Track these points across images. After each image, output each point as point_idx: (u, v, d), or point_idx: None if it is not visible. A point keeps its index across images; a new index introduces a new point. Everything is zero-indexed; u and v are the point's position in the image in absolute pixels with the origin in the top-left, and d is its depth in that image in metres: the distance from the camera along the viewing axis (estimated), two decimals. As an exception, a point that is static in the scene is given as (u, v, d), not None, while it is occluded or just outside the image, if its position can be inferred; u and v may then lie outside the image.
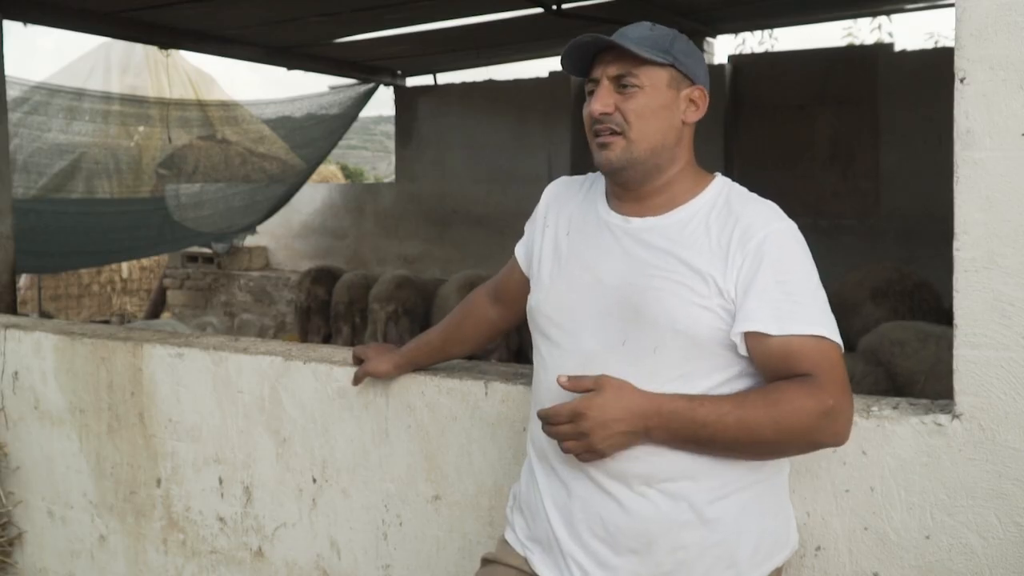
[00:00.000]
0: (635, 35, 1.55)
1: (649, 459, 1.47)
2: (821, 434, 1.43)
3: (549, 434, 1.46)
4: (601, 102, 1.53)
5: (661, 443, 1.44)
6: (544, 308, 1.63)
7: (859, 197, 7.70)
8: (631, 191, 1.59)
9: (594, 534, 1.52)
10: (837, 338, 1.45)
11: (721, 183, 1.59)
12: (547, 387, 1.58)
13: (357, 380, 2.16)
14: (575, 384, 1.43)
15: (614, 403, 1.41)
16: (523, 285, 1.78)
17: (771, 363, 1.44)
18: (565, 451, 1.45)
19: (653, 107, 1.53)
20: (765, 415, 1.39)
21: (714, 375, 1.48)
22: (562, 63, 1.60)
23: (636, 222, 1.58)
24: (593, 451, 1.42)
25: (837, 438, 1.45)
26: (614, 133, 1.53)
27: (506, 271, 1.89)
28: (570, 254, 1.63)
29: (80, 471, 2.81)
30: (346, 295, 6.82)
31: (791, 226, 1.52)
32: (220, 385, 2.49)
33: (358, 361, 2.16)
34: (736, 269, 1.46)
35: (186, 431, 2.57)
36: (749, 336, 1.45)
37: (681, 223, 1.54)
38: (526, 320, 1.74)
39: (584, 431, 1.40)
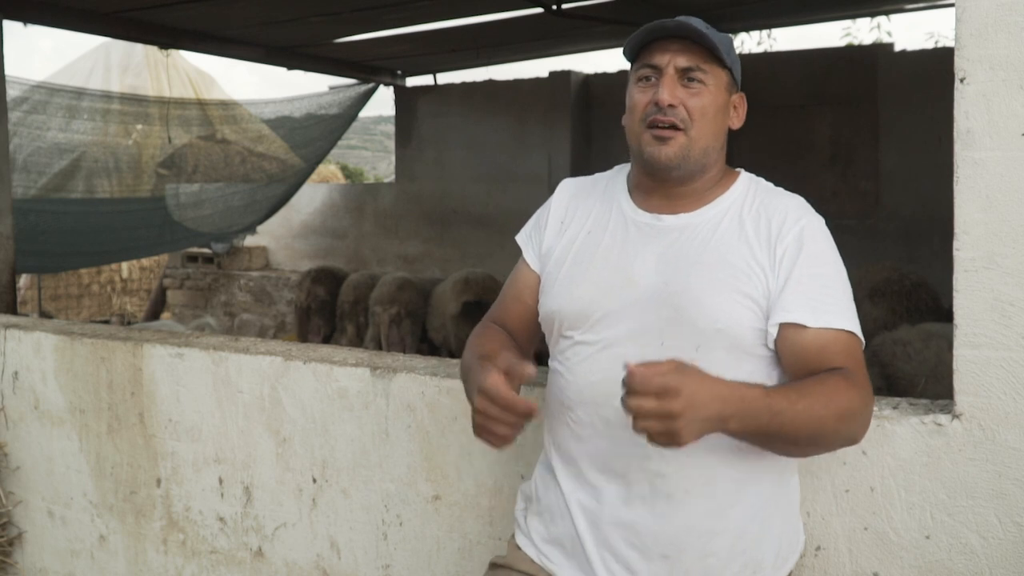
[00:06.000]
0: (703, 29, 1.50)
1: (682, 470, 1.46)
2: (859, 428, 1.41)
3: (628, 405, 1.22)
4: (670, 92, 1.48)
5: (734, 433, 1.30)
6: (569, 311, 1.55)
7: (859, 197, 7.68)
8: (663, 188, 1.55)
9: (624, 539, 1.50)
10: (861, 334, 1.46)
11: (748, 179, 1.60)
12: (576, 389, 1.54)
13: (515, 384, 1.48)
14: (648, 369, 1.22)
15: (703, 386, 1.24)
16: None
17: (804, 356, 1.42)
18: (639, 430, 1.23)
19: (715, 108, 1.52)
20: (829, 405, 1.34)
21: (756, 374, 1.46)
22: (627, 44, 1.53)
23: (668, 219, 1.55)
24: (674, 436, 1.22)
25: (862, 435, 1.43)
26: (675, 128, 1.49)
27: (513, 293, 1.71)
28: (594, 254, 1.57)
29: (80, 471, 2.81)
30: (352, 295, 6.80)
31: (821, 220, 1.53)
32: (220, 385, 2.49)
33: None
34: (777, 262, 1.46)
35: (186, 431, 2.57)
36: (784, 327, 1.43)
37: (714, 220, 1.53)
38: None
39: (674, 412, 1.20)
